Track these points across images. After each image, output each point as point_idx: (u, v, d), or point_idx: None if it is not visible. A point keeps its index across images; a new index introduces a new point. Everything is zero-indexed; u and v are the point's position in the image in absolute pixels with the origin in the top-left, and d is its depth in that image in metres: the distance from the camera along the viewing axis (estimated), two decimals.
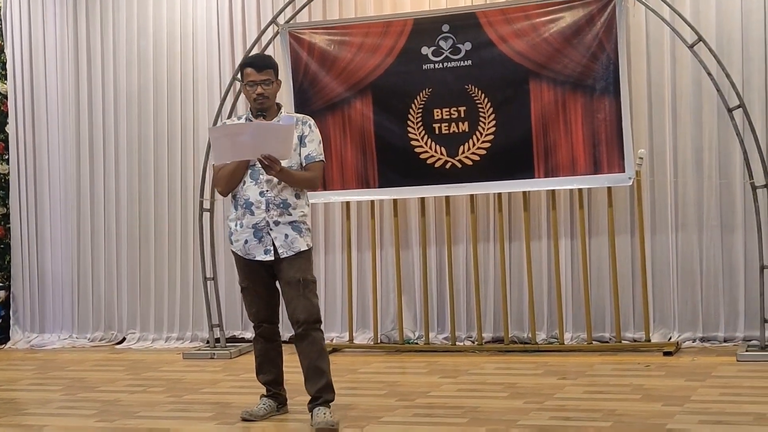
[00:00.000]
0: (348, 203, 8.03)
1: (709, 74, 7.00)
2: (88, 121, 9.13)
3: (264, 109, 5.41)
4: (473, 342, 7.86)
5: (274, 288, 5.57)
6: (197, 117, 8.75)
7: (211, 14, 8.70)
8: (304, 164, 5.46)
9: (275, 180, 5.36)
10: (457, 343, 7.85)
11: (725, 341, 7.40)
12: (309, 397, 5.43)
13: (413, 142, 7.70)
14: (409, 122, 7.70)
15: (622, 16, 7.18)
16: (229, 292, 8.59)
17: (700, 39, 7.02)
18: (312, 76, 7.86)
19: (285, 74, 7.84)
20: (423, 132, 7.67)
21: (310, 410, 5.38)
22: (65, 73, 9.21)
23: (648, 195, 7.58)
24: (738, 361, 6.73)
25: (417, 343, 7.97)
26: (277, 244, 5.38)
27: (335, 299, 8.41)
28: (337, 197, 7.96)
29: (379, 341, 8.06)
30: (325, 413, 5.31)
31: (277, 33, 7.95)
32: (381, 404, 5.91)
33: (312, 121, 5.58)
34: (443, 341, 7.97)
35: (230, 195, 5.52)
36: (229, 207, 5.60)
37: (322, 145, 5.56)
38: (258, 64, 5.46)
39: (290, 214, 5.41)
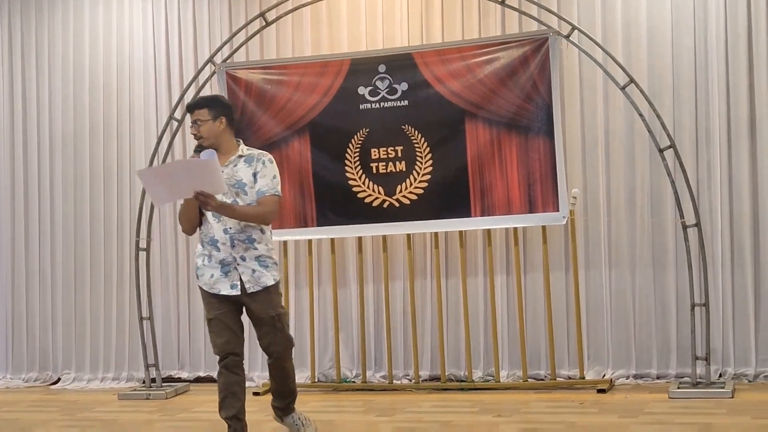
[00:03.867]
0: (286, 242, 8.03)
1: (641, 115, 7.13)
2: (23, 161, 9.04)
3: (212, 146, 5.48)
4: (410, 380, 7.88)
5: (241, 321, 5.62)
6: (134, 157, 8.71)
7: (147, 54, 8.69)
8: (256, 199, 5.53)
9: None
10: (394, 381, 7.87)
11: (658, 378, 7.48)
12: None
13: (351, 182, 7.74)
14: (346, 161, 7.74)
15: (556, 57, 7.29)
16: (165, 331, 8.55)
17: (632, 81, 7.15)
18: (249, 116, 7.86)
19: None
20: (361, 171, 7.72)
21: (280, 417, 5.93)
22: None
23: (582, 233, 7.67)
24: (670, 398, 6.81)
25: (354, 382, 7.97)
26: (243, 279, 5.50)
27: None
28: (275, 236, 7.84)
29: (316, 380, 8.06)
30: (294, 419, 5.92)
31: (214, 72, 7.97)
32: None
33: (268, 157, 5.65)
34: (380, 380, 7.97)
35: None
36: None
37: (278, 179, 5.61)
38: (189, 105, 5.66)
39: (256, 249, 5.52)
